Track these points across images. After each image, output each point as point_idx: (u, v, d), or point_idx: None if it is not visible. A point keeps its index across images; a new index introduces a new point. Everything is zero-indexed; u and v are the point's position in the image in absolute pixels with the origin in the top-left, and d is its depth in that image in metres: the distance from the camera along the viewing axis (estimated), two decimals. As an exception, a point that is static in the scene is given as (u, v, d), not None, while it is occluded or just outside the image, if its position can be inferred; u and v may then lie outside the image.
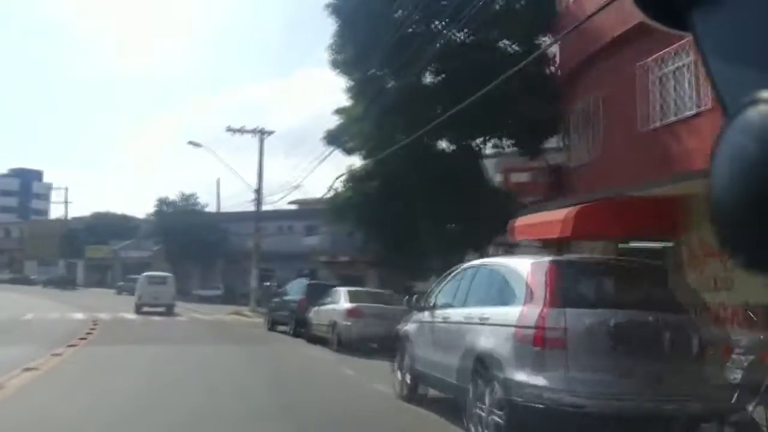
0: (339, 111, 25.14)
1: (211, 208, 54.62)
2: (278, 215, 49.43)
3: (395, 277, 28.93)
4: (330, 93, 63.40)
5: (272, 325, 22.61)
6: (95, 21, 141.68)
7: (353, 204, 25.67)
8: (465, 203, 21.22)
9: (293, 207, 51.70)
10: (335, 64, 22.56)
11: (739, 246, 0.80)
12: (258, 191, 32.69)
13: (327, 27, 22.37)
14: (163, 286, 32.61)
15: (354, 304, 16.37)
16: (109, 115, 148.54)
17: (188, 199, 54.02)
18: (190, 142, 34.36)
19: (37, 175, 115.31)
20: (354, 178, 26.08)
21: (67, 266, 65.76)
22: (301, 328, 19.30)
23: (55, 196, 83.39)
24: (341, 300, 16.93)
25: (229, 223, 51.99)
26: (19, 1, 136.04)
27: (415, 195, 22.64)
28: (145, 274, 34.58)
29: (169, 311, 31.09)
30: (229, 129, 32.57)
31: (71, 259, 66.76)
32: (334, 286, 20.05)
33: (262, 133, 33.09)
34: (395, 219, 24.97)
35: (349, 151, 25.83)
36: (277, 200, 45.89)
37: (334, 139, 25.46)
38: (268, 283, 48.71)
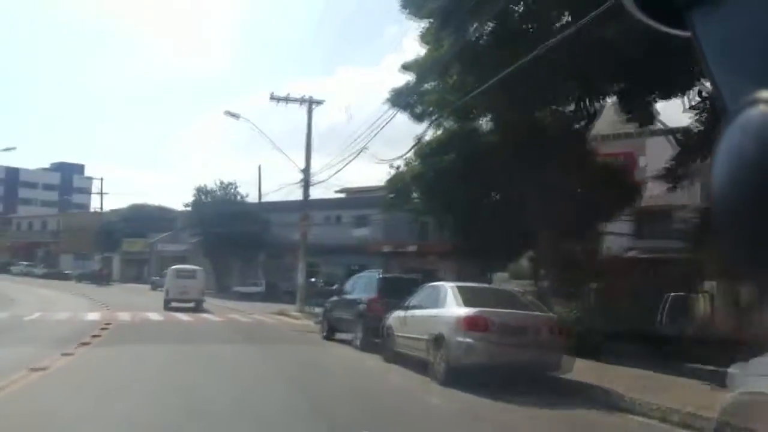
0: (408, 66, 20.46)
1: (252, 199, 50.54)
2: (324, 205, 45.00)
3: (471, 269, 24.24)
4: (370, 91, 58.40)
5: (329, 332, 17.80)
6: (143, 23, 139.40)
7: (425, 182, 21.02)
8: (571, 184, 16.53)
9: (340, 196, 47.23)
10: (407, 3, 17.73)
11: (739, 245, 0.80)
12: (305, 170, 28.05)
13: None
14: (191, 280, 30.65)
15: (474, 310, 10.26)
16: (156, 113, 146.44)
17: (227, 188, 49.99)
18: (227, 112, 29.99)
19: (79, 169, 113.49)
20: (425, 151, 21.40)
21: (103, 260, 62.54)
22: (374, 338, 14.20)
23: (95, 189, 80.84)
24: (449, 302, 10.86)
25: (271, 214, 47.76)
26: (70, 3, 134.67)
27: (507, 173, 17.88)
28: (172, 267, 32.80)
29: (198, 306, 29.29)
30: (273, 98, 28.06)
31: (107, 253, 63.54)
32: (417, 280, 15.34)
33: (310, 103, 28.49)
34: (476, 200, 20.20)
35: (418, 116, 21.15)
36: (327, 178, 41.66)
37: (400, 99, 20.73)
38: (313, 279, 44.36)
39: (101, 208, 67.02)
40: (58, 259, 69.37)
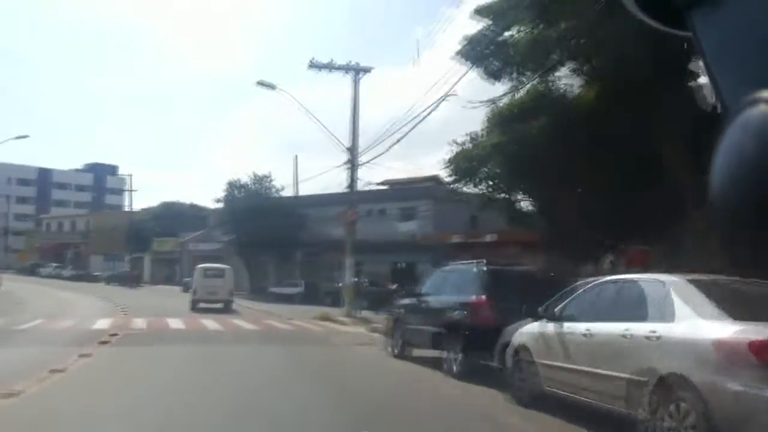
0: (481, 11, 16.39)
1: (288, 192, 46.80)
2: (366, 197, 41.02)
3: (556, 263, 19.96)
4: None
5: (403, 348, 13.01)
6: (169, 25, 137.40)
7: (505, 154, 16.91)
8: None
9: (383, 188, 43.17)
10: None
11: (739, 244, 0.81)
12: (352, 150, 23.91)
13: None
14: (220, 279, 28.98)
15: (760, 327, 5.10)
16: (189, 112, 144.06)
17: (261, 182, 46.29)
18: (260, 83, 26.07)
19: (112, 169, 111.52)
20: (504, 117, 17.28)
21: (133, 261, 59.54)
22: (481, 361, 9.73)
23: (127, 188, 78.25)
24: (683, 310, 5.79)
25: (308, 209, 43.95)
26: (100, 7, 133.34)
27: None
28: (199, 266, 31.07)
29: (226, 307, 27.66)
30: (313, 65, 24.00)
31: (137, 253, 60.52)
32: (537, 273, 11.14)
33: (356, 71, 24.40)
34: (570, 175, 15.96)
35: (494, 73, 17.05)
36: (377, 156, 37.11)
37: (474, 50, 16.60)
38: (356, 279, 40.37)
39: (131, 206, 64.04)
40: (87, 261, 66.76)
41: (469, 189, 21.92)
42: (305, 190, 46.93)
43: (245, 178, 46.76)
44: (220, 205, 48.11)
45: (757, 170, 0.75)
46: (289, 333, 18.63)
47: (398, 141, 22.49)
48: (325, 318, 23.06)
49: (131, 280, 53.19)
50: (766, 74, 0.80)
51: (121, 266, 59.66)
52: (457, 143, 21.42)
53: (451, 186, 22.87)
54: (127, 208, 72.15)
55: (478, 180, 20.22)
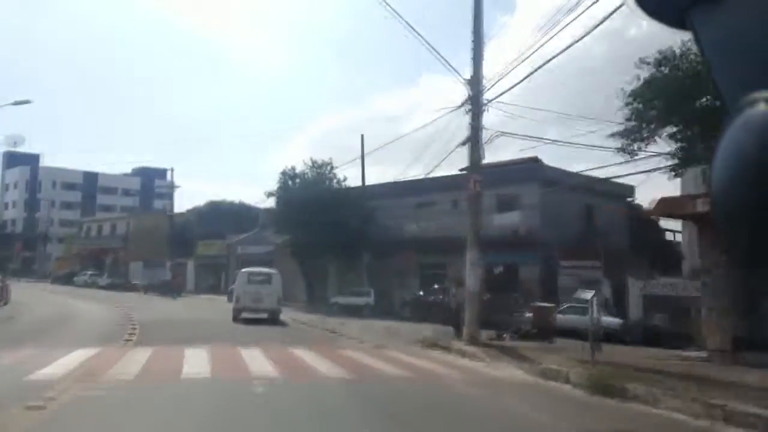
0: None
1: (352, 181, 39.02)
2: (448, 184, 32.98)
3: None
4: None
5: None
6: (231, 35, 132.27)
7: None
8: None
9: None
10: None
11: (738, 243, 0.81)
12: (473, 82, 15.41)
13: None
14: (267, 286, 25.53)
15: None
16: (241, 136, 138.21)
17: (321, 169, 38.56)
18: None
19: (161, 173, 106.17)
20: None
21: (175, 268, 52.62)
22: None
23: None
24: None
25: (378, 201, 36.08)
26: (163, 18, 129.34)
27: None
28: (243, 270, 27.76)
29: (273, 317, 24.77)
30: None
31: (180, 258, 53.58)
32: None
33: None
34: None
35: None
36: (505, 92, 29.28)
37: None
38: (436, 286, 32.39)
39: (171, 208, 57.11)
40: (127, 268, 60.36)
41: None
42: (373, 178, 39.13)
43: (302, 166, 39.18)
44: (272, 200, 40.64)
45: (758, 170, 0.74)
46: (408, 387, 9.98)
47: (536, 70, 14.34)
48: (433, 344, 14.96)
49: (172, 288, 46.24)
50: (766, 74, 0.80)
51: (161, 273, 52.93)
52: (647, 63, 13.25)
53: (628, 144, 14.61)
54: (174, 209, 65.76)
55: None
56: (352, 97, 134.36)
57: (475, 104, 15.38)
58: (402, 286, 34.04)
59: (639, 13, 0.97)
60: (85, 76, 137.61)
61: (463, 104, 15.82)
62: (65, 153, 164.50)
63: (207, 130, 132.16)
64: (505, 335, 17.43)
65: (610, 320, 23.07)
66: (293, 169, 39.16)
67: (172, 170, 52.85)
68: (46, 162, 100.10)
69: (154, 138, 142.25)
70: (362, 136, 38.09)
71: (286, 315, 26.51)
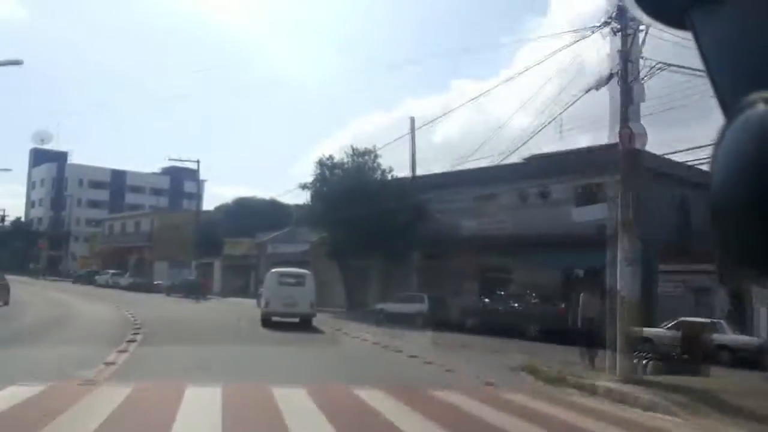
0: None
1: (398, 170, 34.27)
2: (513, 173, 28.11)
3: None
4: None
5: None
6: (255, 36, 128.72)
7: None
8: None
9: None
10: None
11: (737, 244, 0.80)
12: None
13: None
14: (299, 287, 23.39)
15: None
16: (274, 140, 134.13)
17: (363, 157, 33.88)
18: None
19: (190, 173, 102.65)
20: None
21: (201, 268, 48.39)
22: None
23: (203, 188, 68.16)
24: None
25: (430, 193, 31.26)
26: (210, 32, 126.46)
27: None
28: (273, 271, 25.70)
29: (305, 321, 22.68)
30: None
31: (207, 258, 49.31)
32: None
33: None
34: None
35: None
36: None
37: None
38: (502, 293, 27.48)
39: (199, 203, 52.98)
40: (151, 268, 56.39)
41: None
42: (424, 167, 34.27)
43: (341, 154, 34.53)
44: (307, 195, 36.04)
45: (757, 170, 0.74)
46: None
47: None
48: (554, 379, 10.06)
49: (196, 290, 41.97)
50: (765, 74, 0.79)
51: (186, 274, 48.73)
52: None
53: None
54: (202, 207, 61.69)
55: None
56: (382, 102, 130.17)
57: (624, 20, 10.45)
58: (458, 292, 29.11)
59: (639, 13, 0.95)
60: (115, 75, 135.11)
61: (605, 23, 10.87)
62: (94, 152, 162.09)
63: (236, 134, 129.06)
64: (645, 361, 12.29)
65: (744, 339, 17.96)
66: (331, 158, 34.58)
67: (198, 163, 48.63)
68: (73, 160, 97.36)
69: (182, 140, 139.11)
70: (412, 118, 33.31)
71: (323, 323, 23.54)
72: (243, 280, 47.92)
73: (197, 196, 51.35)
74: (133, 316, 21.72)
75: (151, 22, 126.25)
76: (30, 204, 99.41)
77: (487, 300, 26.72)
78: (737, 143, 0.78)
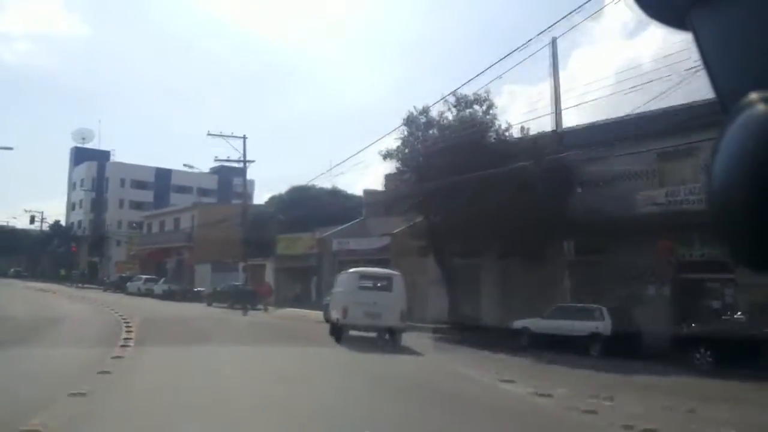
0: None
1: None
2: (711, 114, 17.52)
3: None
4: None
5: None
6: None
7: None
8: None
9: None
10: None
11: (738, 244, 0.79)
12: None
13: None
14: (386, 293, 18.09)
15: None
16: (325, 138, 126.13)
17: (470, 106, 23.75)
18: None
19: (239, 172, 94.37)
20: None
21: (251, 271, 39.04)
22: None
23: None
24: None
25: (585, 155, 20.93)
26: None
27: None
28: (351, 270, 19.75)
29: (393, 340, 17.47)
30: None
31: (257, 259, 39.96)
32: None
33: None
34: None
35: None
36: None
37: None
38: (713, 305, 17.11)
39: (245, 191, 43.77)
40: (192, 271, 47.52)
41: None
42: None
43: (439, 106, 24.49)
44: (390, 166, 26.17)
45: (757, 170, 0.73)
46: None
47: None
48: None
49: (246, 298, 32.70)
50: (765, 74, 0.78)
51: (232, 278, 39.64)
52: None
53: None
54: (252, 197, 52.27)
55: None
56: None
57: None
58: (642, 300, 18.80)
59: (639, 13, 0.93)
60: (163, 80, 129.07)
61: None
62: (137, 152, 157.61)
63: (290, 134, 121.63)
64: None
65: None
66: (425, 111, 24.57)
67: (244, 138, 39.21)
68: (116, 159, 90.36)
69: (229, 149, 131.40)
70: (553, 38, 22.79)
71: (420, 345, 17.71)
72: (302, 286, 38.42)
73: (244, 185, 41.87)
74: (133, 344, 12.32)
75: (198, 38, 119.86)
76: (70, 206, 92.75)
77: (693, 325, 16.31)
78: (737, 142, 0.76)
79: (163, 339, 16.27)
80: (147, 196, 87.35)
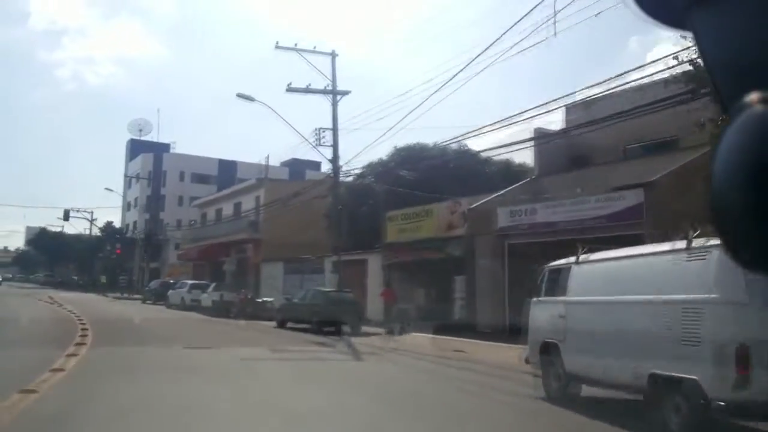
0: None
1: None
2: None
3: None
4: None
5: None
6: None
7: None
8: None
9: None
10: None
11: (738, 244, 0.80)
12: None
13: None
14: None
15: None
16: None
17: None
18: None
19: (314, 165, 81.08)
20: None
21: (346, 269, 24.62)
22: None
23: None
24: None
25: None
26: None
27: None
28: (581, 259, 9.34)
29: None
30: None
31: (355, 252, 25.55)
32: None
33: None
34: None
35: None
36: None
37: None
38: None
39: (335, 149, 29.45)
40: (257, 272, 33.53)
41: None
42: None
43: None
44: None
45: (757, 171, 0.73)
46: None
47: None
48: None
49: (342, 314, 18.39)
50: (765, 74, 0.78)
51: (317, 282, 25.37)
52: None
53: None
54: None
55: None
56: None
57: None
58: None
59: (638, 13, 0.93)
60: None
61: None
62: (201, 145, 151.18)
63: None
64: None
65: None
66: None
67: (333, 55, 24.66)
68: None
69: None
70: None
71: None
72: (431, 291, 23.57)
73: (334, 120, 26.96)
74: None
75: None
76: (126, 206, 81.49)
77: None
78: (737, 143, 0.76)
79: None
80: (209, 191, 74.85)
